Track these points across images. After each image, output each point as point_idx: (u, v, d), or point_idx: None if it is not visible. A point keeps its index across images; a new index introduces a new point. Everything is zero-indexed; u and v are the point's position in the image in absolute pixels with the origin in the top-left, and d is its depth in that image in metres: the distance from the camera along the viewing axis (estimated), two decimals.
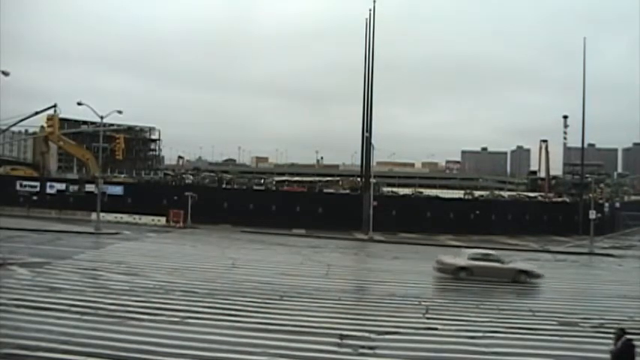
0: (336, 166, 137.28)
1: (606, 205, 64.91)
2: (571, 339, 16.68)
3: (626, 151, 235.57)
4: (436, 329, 17.36)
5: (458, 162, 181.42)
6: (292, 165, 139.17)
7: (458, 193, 72.35)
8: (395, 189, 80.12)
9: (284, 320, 17.38)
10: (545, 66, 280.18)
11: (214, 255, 34.45)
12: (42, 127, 68.02)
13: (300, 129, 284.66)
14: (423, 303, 21.26)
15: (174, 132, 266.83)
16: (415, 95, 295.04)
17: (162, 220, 54.81)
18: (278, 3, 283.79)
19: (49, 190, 60.21)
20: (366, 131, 60.75)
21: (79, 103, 46.78)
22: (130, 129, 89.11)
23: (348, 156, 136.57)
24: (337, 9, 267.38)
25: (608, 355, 11.46)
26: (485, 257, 28.14)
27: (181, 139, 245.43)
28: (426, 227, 54.88)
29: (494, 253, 29.76)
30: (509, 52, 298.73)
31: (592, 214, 47.38)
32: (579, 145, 64.97)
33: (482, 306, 21.21)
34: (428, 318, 18.89)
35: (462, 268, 27.39)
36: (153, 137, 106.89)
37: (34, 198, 59.25)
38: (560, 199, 75.11)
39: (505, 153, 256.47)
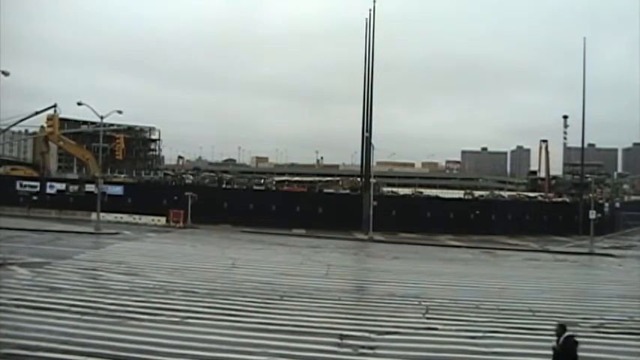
0: (336, 166, 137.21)
1: (606, 205, 64.90)
2: None
3: (626, 151, 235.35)
4: (436, 329, 17.35)
5: (458, 162, 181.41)
6: (292, 165, 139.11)
7: (458, 193, 72.32)
8: (395, 189, 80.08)
9: (284, 320, 17.38)
10: (545, 66, 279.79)
11: (214, 255, 34.45)
12: (42, 127, 68.06)
13: (300, 129, 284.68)
14: (423, 303, 21.23)
15: (174, 132, 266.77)
16: (415, 95, 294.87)
17: (163, 220, 54.83)
18: (278, 3, 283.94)
19: (49, 190, 60.27)
20: (366, 131, 60.75)
21: (79, 103, 46.90)
22: (130, 129, 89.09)
23: (348, 156, 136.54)
24: (337, 9, 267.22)
25: (606, 356, 11.44)
26: None
27: (181, 139, 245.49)
28: (426, 227, 54.89)
29: None
30: (509, 52, 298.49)
31: (592, 214, 47.37)
32: (579, 145, 65.08)
33: (482, 306, 21.20)
34: (428, 318, 18.88)
35: None
36: (153, 137, 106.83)
37: (34, 198, 59.29)
38: (560, 199, 75.11)
39: (505, 153, 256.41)
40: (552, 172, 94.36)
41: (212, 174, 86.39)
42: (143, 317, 17.00)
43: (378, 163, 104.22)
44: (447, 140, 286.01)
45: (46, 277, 23.38)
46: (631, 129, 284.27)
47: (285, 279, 25.78)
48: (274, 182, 79.67)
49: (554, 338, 10.71)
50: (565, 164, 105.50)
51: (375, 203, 52.20)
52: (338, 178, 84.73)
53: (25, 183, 61.32)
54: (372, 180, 55.51)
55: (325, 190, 71.37)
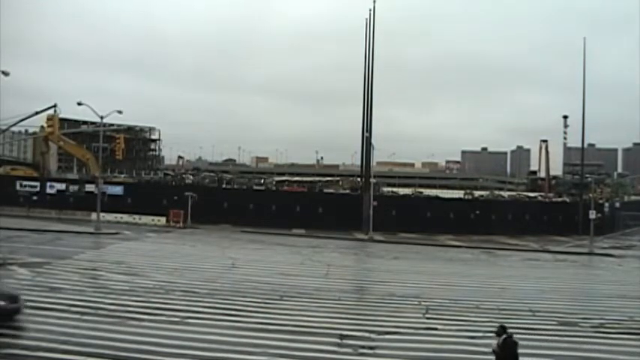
0: (336, 166, 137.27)
1: (606, 205, 64.89)
2: (571, 339, 16.63)
3: (626, 151, 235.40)
4: (436, 329, 17.35)
5: (458, 162, 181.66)
6: (292, 165, 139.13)
7: (458, 193, 72.28)
8: (395, 189, 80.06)
9: (284, 320, 17.39)
10: (546, 66, 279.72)
11: (214, 255, 34.44)
12: (42, 127, 67.99)
13: (300, 129, 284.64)
14: (423, 303, 21.23)
15: (174, 132, 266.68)
16: (415, 95, 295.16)
17: (162, 220, 54.80)
18: (278, 4, 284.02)
19: (49, 190, 60.23)
20: (366, 131, 60.71)
21: (79, 103, 46.86)
22: (130, 129, 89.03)
23: (348, 156, 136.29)
24: (337, 9, 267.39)
25: (606, 356, 11.43)
26: None
27: (181, 139, 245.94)
28: (426, 227, 54.86)
29: None
30: (509, 52, 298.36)
31: (592, 214, 47.36)
32: (579, 145, 64.98)
33: (482, 306, 21.20)
34: (428, 318, 18.88)
35: None
36: (153, 137, 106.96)
37: (34, 198, 59.24)
38: (560, 199, 75.07)
39: (505, 153, 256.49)
40: (552, 172, 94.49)
41: (212, 174, 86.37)
42: (143, 317, 17.01)
43: (378, 163, 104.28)
44: (447, 140, 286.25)
45: (46, 277, 23.37)
46: (631, 129, 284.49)
47: (285, 279, 25.78)
48: (274, 182, 79.63)
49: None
50: (565, 164, 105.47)
51: (375, 203, 52.17)
52: (338, 178, 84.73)
53: (25, 183, 61.29)
54: (372, 180, 55.46)
55: (325, 190, 71.36)
